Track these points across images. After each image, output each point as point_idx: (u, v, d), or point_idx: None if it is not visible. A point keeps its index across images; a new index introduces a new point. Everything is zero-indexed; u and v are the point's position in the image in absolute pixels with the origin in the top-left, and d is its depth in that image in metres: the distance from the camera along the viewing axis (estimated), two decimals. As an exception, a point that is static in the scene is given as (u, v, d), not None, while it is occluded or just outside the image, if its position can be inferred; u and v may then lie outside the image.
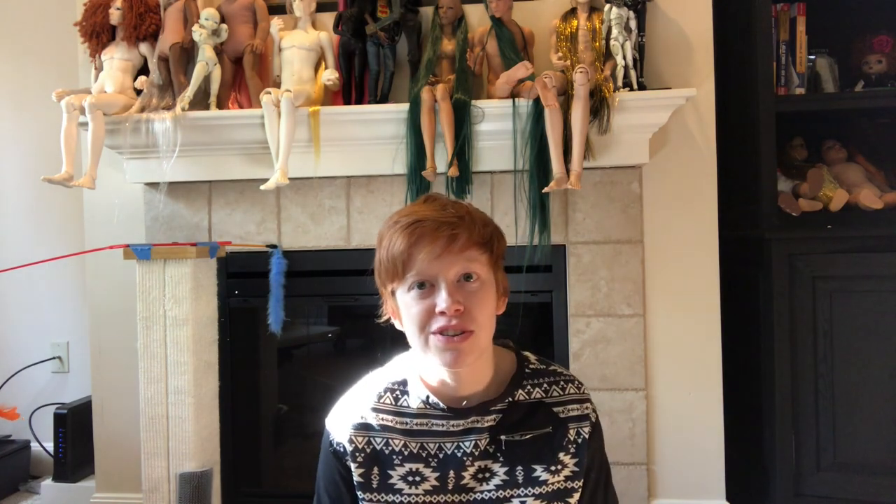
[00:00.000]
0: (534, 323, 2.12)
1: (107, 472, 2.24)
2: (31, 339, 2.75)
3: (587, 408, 0.99)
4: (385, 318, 1.01)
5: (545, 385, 0.99)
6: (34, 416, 2.65)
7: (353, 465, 0.98)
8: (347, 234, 2.12)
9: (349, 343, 2.42)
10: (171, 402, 1.96)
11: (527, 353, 1.05)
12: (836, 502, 1.92)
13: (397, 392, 1.00)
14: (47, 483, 2.39)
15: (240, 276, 2.16)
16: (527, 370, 1.01)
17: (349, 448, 0.98)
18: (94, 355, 2.26)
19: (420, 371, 1.00)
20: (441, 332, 0.89)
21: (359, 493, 0.97)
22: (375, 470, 0.97)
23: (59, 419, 2.37)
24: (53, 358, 2.75)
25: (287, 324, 2.12)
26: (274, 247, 2.12)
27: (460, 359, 0.90)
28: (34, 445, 2.66)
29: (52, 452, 2.42)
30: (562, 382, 1.00)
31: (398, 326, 0.99)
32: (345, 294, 2.18)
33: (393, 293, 0.96)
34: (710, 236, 2.05)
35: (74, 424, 2.38)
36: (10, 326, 2.77)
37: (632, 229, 2.04)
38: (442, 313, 0.89)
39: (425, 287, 0.90)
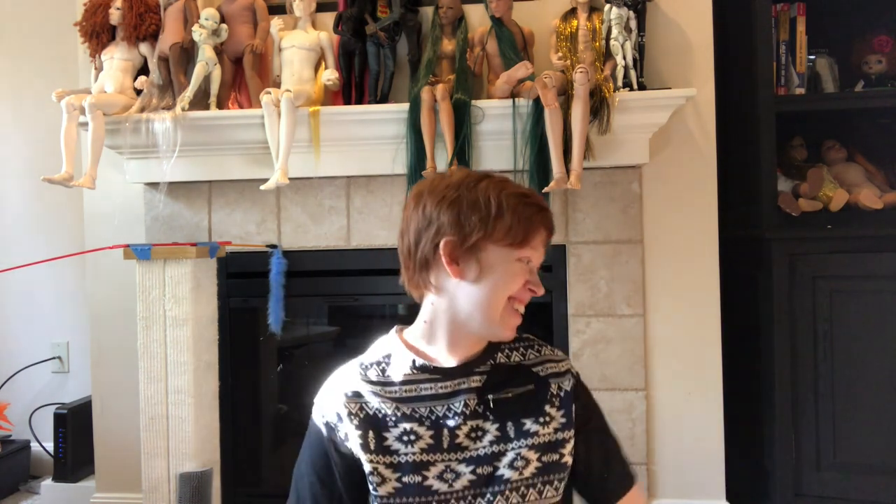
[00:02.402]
0: (534, 323, 2.12)
1: (107, 472, 2.24)
2: (31, 339, 2.75)
3: (563, 365, 1.06)
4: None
5: (521, 349, 1.06)
6: (34, 416, 2.65)
7: (351, 428, 0.98)
8: (347, 234, 2.12)
9: (349, 343, 2.42)
10: (171, 402, 1.96)
11: None
12: (836, 502, 1.92)
13: (382, 365, 1.03)
14: (47, 483, 2.39)
15: (240, 276, 2.16)
16: None
17: (343, 413, 0.99)
18: (94, 355, 2.26)
19: (416, 342, 1.04)
20: (519, 301, 0.99)
21: (361, 454, 0.98)
22: (371, 433, 0.98)
23: (59, 419, 2.37)
24: (53, 358, 2.75)
25: (287, 324, 2.12)
26: (274, 247, 2.12)
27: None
28: (34, 445, 2.66)
29: (52, 452, 2.42)
30: (536, 346, 1.08)
31: (453, 276, 0.96)
32: (345, 294, 2.18)
33: (478, 249, 0.95)
34: (710, 236, 2.05)
35: (74, 424, 2.38)
36: (10, 326, 2.77)
37: (632, 229, 2.04)
38: (532, 291, 0.99)
39: (522, 262, 0.99)
